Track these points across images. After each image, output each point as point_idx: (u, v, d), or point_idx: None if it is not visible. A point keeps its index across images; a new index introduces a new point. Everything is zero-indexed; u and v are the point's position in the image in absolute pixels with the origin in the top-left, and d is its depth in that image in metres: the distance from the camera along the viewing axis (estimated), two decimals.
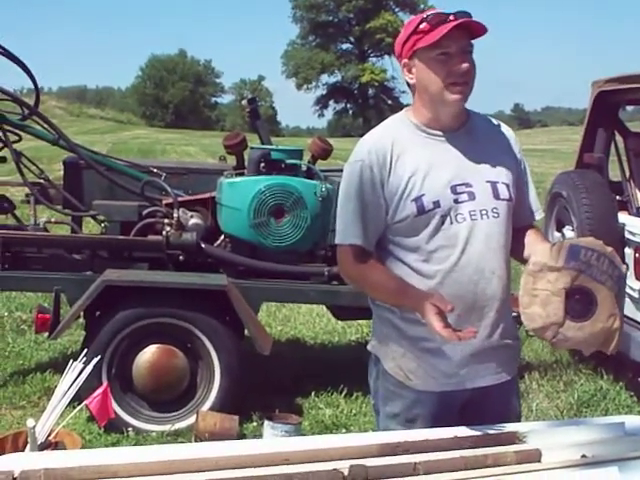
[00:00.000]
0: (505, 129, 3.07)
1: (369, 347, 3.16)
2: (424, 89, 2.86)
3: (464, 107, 2.91)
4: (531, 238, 2.99)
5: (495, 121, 3.10)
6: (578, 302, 2.64)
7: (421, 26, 2.78)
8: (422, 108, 2.91)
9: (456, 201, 2.84)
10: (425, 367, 2.92)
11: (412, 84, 2.90)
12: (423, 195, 2.82)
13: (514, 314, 2.90)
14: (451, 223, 2.83)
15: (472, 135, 2.94)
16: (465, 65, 2.77)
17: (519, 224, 3.01)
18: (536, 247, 2.87)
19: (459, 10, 2.78)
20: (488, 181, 2.88)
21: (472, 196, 2.85)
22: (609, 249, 2.72)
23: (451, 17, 2.75)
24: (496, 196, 2.88)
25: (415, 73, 2.86)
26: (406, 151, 2.87)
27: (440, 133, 2.90)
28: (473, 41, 2.83)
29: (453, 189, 2.84)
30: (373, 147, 2.89)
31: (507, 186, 2.91)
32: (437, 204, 2.82)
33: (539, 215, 3.11)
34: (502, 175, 2.92)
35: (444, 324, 2.59)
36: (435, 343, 2.81)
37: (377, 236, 2.94)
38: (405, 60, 2.87)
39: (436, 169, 2.85)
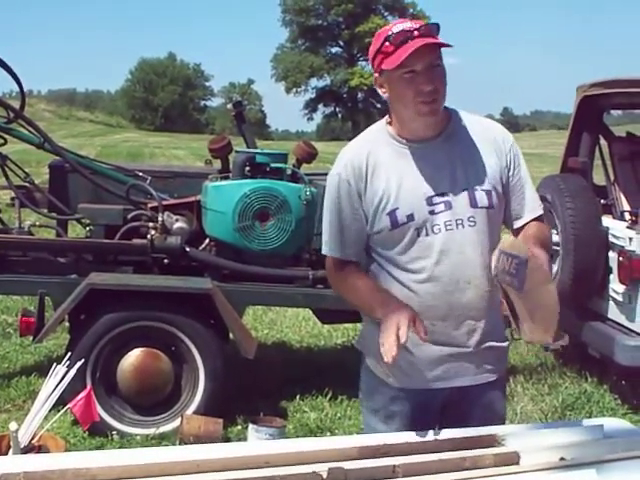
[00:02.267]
0: (489, 129, 2.99)
1: (355, 343, 3.22)
2: (395, 107, 2.87)
3: (442, 113, 2.88)
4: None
5: (485, 122, 3.05)
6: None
7: (385, 45, 2.76)
8: (396, 121, 2.91)
9: (432, 212, 2.83)
10: (402, 365, 2.91)
11: (385, 98, 2.90)
12: (397, 209, 2.82)
13: (504, 313, 2.91)
14: (427, 235, 2.83)
15: (451, 141, 2.90)
16: (431, 86, 2.74)
17: (519, 222, 2.97)
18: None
19: (425, 23, 2.76)
20: (465, 189, 2.85)
21: (448, 205, 2.83)
22: (509, 241, 2.77)
23: (415, 33, 2.71)
24: (473, 204, 2.85)
25: (386, 89, 2.86)
26: (382, 163, 2.87)
27: (417, 144, 2.88)
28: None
29: (429, 200, 2.83)
30: (349, 160, 2.90)
31: (487, 193, 2.86)
32: (411, 217, 2.82)
33: (538, 211, 3.00)
34: (482, 182, 2.87)
35: (394, 339, 2.60)
36: (411, 342, 2.82)
37: (360, 246, 2.96)
38: (376, 75, 2.87)
39: (411, 181, 2.84)
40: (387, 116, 2.99)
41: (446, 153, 2.88)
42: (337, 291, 3.13)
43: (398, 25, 2.78)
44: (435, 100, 2.78)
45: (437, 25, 2.78)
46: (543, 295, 2.61)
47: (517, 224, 2.98)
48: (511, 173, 2.95)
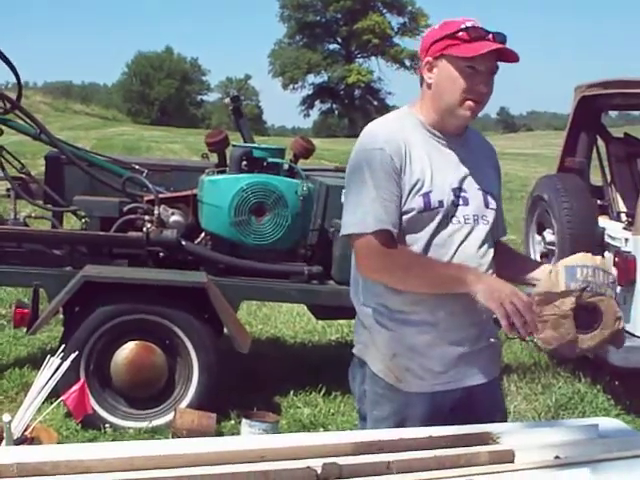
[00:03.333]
0: (493, 147, 3.19)
1: (355, 351, 3.10)
2: (439, 94, 2.88)
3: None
4: (517, 258, 3.22)
5: (485, 139, 3.21)
6: (585, 316, 2.79)
7: (460, 34, 2.79)
8: (431, 109, 2.93)
9: (454, 204, 2.88)
10: (415, 368, 2.92)
11: (428, 83, 2.91)
12: (431, 192, 2.85)
13: (494, 316, 2.92)
14: (448, 224, 2.87)
15: (467, 145, 3.00)
16: (486, 88, 2.83)
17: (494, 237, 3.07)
18: (533, 274, 3.00)
19: (498, 32, 2.81)
20: (480, 189, 2.94)
21: (466, 201, 2.91)
22: (598, 259, 2.87)
23: (490, 36, 2.79)
24: (486, 204, 2.95)
25: (435, 74, 2.87)
26: (415, 146, 2.88)
27: (442, 137, 2.93)
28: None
29: (454, 191, 2.89)
30: (390, 138, 2.86)
31: (494, 197, 2.99)
32: (441, 203, 2.85)
33: (504, 233, 3.20)
34: (490, 187, 2.99)
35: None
36: (425, 344, 2.83)
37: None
38: (429, 58, 2.87)
39: (441, 170, 2.88)
40: (411, 103, 3.01)
41: (464, 154, 2.96)
42: (386, 275, 2.87)
43: (471, 21, 2.83)
44: (480, 103, 2.85)
45: (505, 36, 2.84)
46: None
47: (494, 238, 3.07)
48: (499, 191, 3.10)
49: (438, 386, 2.95)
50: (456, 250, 2.87)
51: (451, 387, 2.97)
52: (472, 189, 2.92)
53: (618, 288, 6.15)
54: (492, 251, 2.96)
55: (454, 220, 2.87)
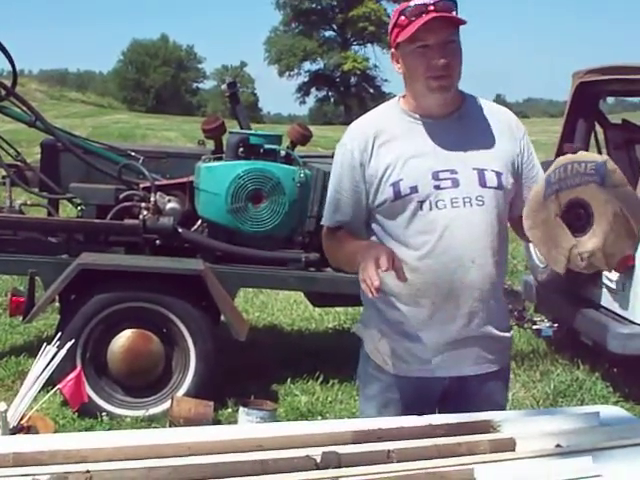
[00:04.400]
0: (506, 114, 3.02)
1: (354, 329, 3.18)
2: (409, 82, 2.86)
3: (456, 93, 2.89)
4: None
5: (496, 106, 3.06)
6: (578, 217, 2.63)
7: (400, 19, 2.76)
8: (410, 97, 2.91)
9: (437, 187, 2.81)
10: (400, 351, 2.91)
11: (400, 73, 2.89)
12: (401, 180, 2.81)
13: (510, 307, 2.85)
14: (430, 209, 2.80)
15: (464, 120, 2.91)
16: (442, 60, 2.74)
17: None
18: None
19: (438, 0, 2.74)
20: (475, 168, 2.84)
21: (456, 183, 2.81)
22: (577, 154, 2.68)
23: (430, 7, 2.71)
24: (482, 184, 2.83)
25: (401, 64, 2.86)
26: (390, 137, 2.86)
27: (430, 120, 2.88)
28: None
29: (435, 175, 2.81)
30: (357, 133, 2.93)
31: (497, 174, 2.86)
32: (414, 189, 2.80)
33: None
34: (493, 162, 2.87)
35: (374, 269, 2.54)
36: (412, 328, 2.80)
37: (358, 219, 2.95)
38: (392, 50, 2.87)
39: (419, 156, 2.83)
40: (402, 94, 2.98)
41: (457, 132, 2.88)
42: (330, 259, 3.16)
43: (416, 0, 2.76)
44: (445, 76, 2.78)
45: (454, 2, 2.77)
46: (628, 193, 2.61)
47: None
48: (525, 160, 2.96)
49: (422, 372, 2.93)
50: (441, 235, 2.80)
51: (437, 374, 2.93)
52: (465, 169, 2.83)
53: (614, 275, 6.17)
54: (495, 232, 2.86)
55: (439, 204, 2.80)
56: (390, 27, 2.85)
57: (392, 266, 2.56)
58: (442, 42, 2.75)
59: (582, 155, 2.67)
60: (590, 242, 2.61)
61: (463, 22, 2.75)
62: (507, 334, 3.05)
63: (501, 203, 2.87)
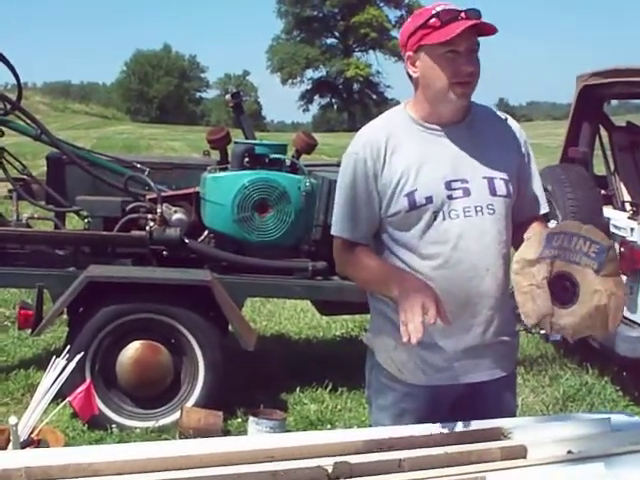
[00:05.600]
0: (510, 121, 3.03)
1: (364, 339, 3.16)
2: (427, 85, 2.83)
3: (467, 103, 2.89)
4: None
5: (500, 114, 3.07)
6: (563, 289, 2.64)
7: (431, 21, 2.74)
8: (423, 102, 2.88)
9: (450, 197, 2.81)
10: (416, 360, 2.91)
11: (415, 77, 2.87)
12: (415, 190, 2.80)
13: (517, 311, 2.87)
14: (444, 219, 2.81)
15: (472, 129, 2.91)
16: (472, 67, 2.76)
17: (523, 217, 2.98)
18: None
19: (470, 8, 2.75)
20: (485, 177, 2.85)
21: (467, 192, 2.82)
22: (585, 227, 2.70)
23: (462, 15, 2.72)
24: (493, 192, 2.85)
25: (419, 67, 2.83)
26: (401, 145, 2.85)
27: (438, 128, 2.87)
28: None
29: (447, 185, 2.81)
30: (368, 140, 2.88)
31: (505, 182, 2.87)
32: (429, 200, 2.80)
33: (544, 209, 3.05)
34: (501, 170, 2.88)
35: (420, 320, 2.54)
36: (427, 337, 2.79)
37: (371, 229, 2.93)
38: (409, 53, 2.84)
39: (431, 164, 2.82)
40: (407, 101, 2.98)
41: (468, 140, 2.88)
42: (344, 273, 3.13)
43: (442, 5, 2.77)
44: (470, 83, 2.79)
45: (479, 11, 2.77)
46: (617, 285, 2.65)
47: (523, 216, 2.98)
48: (525, 168, 2.98)
49: (438, 380, 2.93)
50: (455, 244, 2.80)
51: (452, 382, 2.93)
52: (476, 178, 2.83)
53: (624, 277, 6.17)
54: (504, 240, 2.87)
55: (452, 214, 2.81)
56: (413, 28, 2.80)
57: (437, 310, 2.56)
58: (471, 50, 2.76)
59: (590, 231, 2.69)
60: (566, 318, 2.63)
61: (495, 30, 2.76)
62: (514, 339, 3.06)
63: (508, 211, 2.89)
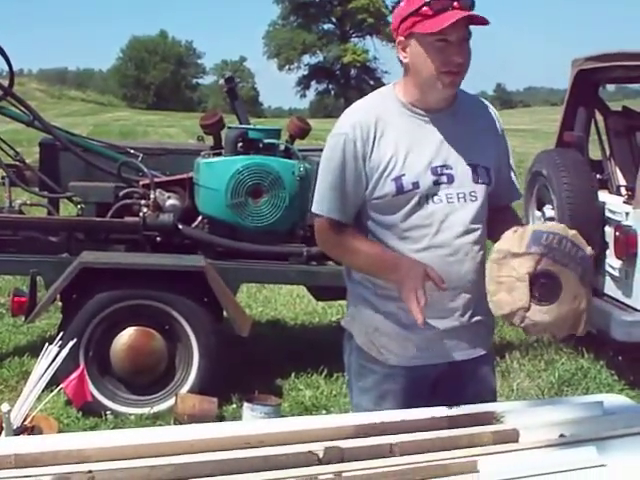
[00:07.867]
0: (489, 108, 3.06)
1: (343, 323, 3.21)
2: (416, 71, 2.83)
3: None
4: (503, 222, 2.92)
5: (480, 100, 3.10)
6: (543, 286, 2.66)
7: (423, 9, 2.72)
8: (411, 88, 2.88)
9: (435, 182, 2.84)
10: (397, 341, 2.94)
11: (404, 62, 2.86)
12: (403, 175, 2.81)
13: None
14: (427, 204, 2.83)
15: (457, 116, 2.92)
16: (461, 58, 2.75)
17: (496, 204, 3.00)
18: (504, 234, 2.82)
19: None
20: (469, 164, 2.88)
21: (451, 179, 2.85)
22: (572, 232, 2.73)
23: (455, 4, 2.70)
24: (475, 180, 2.88)
25: (409, 53, 2.82)
26: (389, 128, 2.85)
27: (424, 113, 2.88)
28: None
29: (433, 170, 2.84)
30: (357, 121, 2.87)
31: (487, 170, 2.91)
32: (416, 185, 2.81)
33: (517, 197, 3.13)
34: (483, 158, 2.91)
35: (420, 305, 2.63)
36: (409, 319, 2.79)
37: (355, 210, 2.93)
38: (400, 38, 2.83)
39: (418, 149, 2.83)
40: (395, 82, 2.98)
41: (452, 127, 2.89)
42: (330, 253, 3.22)
43: None
44: (459, 73, 2.79)
45: (472, 0, 2.77)
46: (590, 295, 2.75)
47: (496, 204, 3.00)
48: (503, 155, 3.03)
49: (420, 360, 2.96)
50: (438, 229, 2.83)
51: (432, 362, 2.97)
52: (459, 165, 2.86)
53: (618, 262, 6.17)
54: (482, 226, 2.91)
55: (435, 199, 2.83)
56: (403, 14, 2.79)
57: (430, 280, 2.69)
58: (462, 40, 2.76)
59: (575, 236, 2.73)
60: (540, 315, 2.66)
61: (487, 23, 2.75)
62: (491, 318, 3.05)
63: (487, 198, 2.92)
